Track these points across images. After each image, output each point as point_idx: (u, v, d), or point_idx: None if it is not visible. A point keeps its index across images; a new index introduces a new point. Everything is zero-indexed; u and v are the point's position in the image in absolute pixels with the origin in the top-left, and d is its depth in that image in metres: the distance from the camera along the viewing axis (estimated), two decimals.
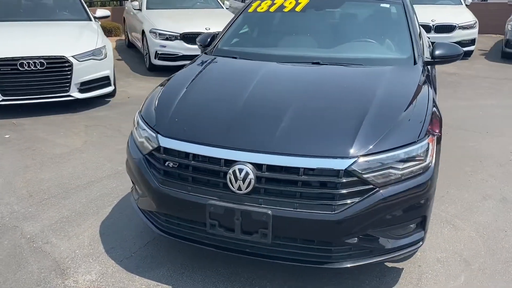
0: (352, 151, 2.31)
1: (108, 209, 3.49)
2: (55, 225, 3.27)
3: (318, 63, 3.23)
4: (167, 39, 7.92)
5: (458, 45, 3.46)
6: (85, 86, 5.94)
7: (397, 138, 2.40)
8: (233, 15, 9.07)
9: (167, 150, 2.55)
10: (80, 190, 3.80)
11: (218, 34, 3.94)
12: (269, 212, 2.29)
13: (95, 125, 5.45)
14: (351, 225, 2.28)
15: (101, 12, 7.37)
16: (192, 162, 2.46)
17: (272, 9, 3.86)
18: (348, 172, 2.26)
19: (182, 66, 7.89)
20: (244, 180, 2.32)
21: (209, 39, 3.89)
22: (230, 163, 2.37)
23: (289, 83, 3.02)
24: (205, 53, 3.69)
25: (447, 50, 3.37)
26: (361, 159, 2.29)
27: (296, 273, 2.71)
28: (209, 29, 7.91)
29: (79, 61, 5.80)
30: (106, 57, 6.16)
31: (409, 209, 2.40)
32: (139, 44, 9.07)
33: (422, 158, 2.41)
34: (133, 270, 2.78)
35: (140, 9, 9.05)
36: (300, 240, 2.38)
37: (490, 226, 3.26)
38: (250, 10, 3.95)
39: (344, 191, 2.27)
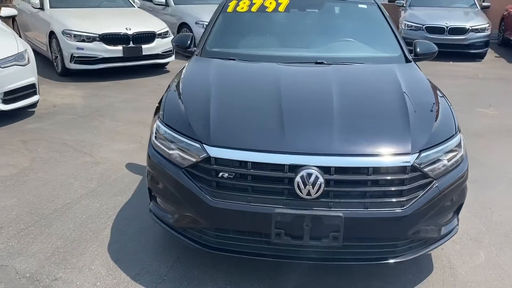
0: (413, 146, 2.39)
1: (107, 232, 3.12)
2: (53, 257, 2.83)
3: (322, 63, 3.26)
4: (83, 40, 7.27)
5: (432, 43, 3.76)
6: (10, 96, 5.20)
7: (442, 132, 2.55)
8: (148, 14, 8.73)
9: (218, 160, 2.38)
10: (60, 214, 3.34)
11: (202, 35, 3.74)
12: (341, 214, 2.27)
13: (33, 139, 4.80)
14: (417, 219, 2.37)
15: (7, 11, 6.48)
16: (251, 171, 2.33)
17: (253, 9, 3.79)
18: (413, 167, 2.34)
19: (102, 70, 7.40)
20: (313, 184, 2.26)
21: (189, 41, 3.68)
22: (295, 168, 2.29)
23: (314, 83, 3.01)
24: (196, 55, 3.49)
25: (427, 47, 3.65)
26: (422, 154, 2.38)
27: (343, 273, 2.72)
28: (130, 29, 7.50)
29: (1, 67, 5.05)
30: (29, 62, 5.45)
31: (455, 197, 2.56)
32: (43, 47, 8.16)
33: (458, 149, 2.59)
34: None
35: (41, 8, 8.13)
36: (367, 239, 2.40)
37: (474, 205, 3.61)
38: (229, 10, 3.83)
39: (410, 186, 2.35)
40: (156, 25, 8.01)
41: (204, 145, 2.41)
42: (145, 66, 7.94)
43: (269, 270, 2.72)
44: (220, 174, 2.37)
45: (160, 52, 7.90)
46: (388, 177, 2.33)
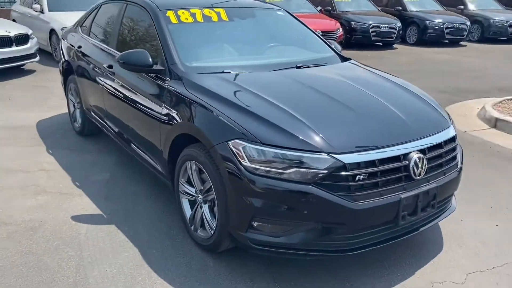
0: (448, 121, 3.08)
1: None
2: None
3: (301, 67, 3.51)
4: None
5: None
6: None
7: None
8: None
9: (352, 165, 2.48)
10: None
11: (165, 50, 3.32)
12: (436, 184, 2.76)
13: None
14: (460, 176, 3.08)
15: None
16: (380, 167, 2.54)
17: (199, 19, 3.63)
18: (455, 136, 3.03)
19: None
20: (422, 166, 2.67)
21: (150, 58, 3.24)
22: (406, 155, 2.64)
23: (334, 84, 3.25)
24: (184, 71, 3.15)
25: (338, 47, 4.32)
26: (453, 125, 3.10)
27: (399, 252, 3.13)
28: None
29: None
30: None
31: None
32: None
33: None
34: None
35: None
36: (443, 200, 2.94)
37: None
38: (174, 21, 3.52)
39: (458, 151, 3.04)
40: None
41: (332, 155, 2.45)
42: None
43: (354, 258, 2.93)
44: (357, 177, 2.48)
45: None
46: (450, 147, 2.95)
